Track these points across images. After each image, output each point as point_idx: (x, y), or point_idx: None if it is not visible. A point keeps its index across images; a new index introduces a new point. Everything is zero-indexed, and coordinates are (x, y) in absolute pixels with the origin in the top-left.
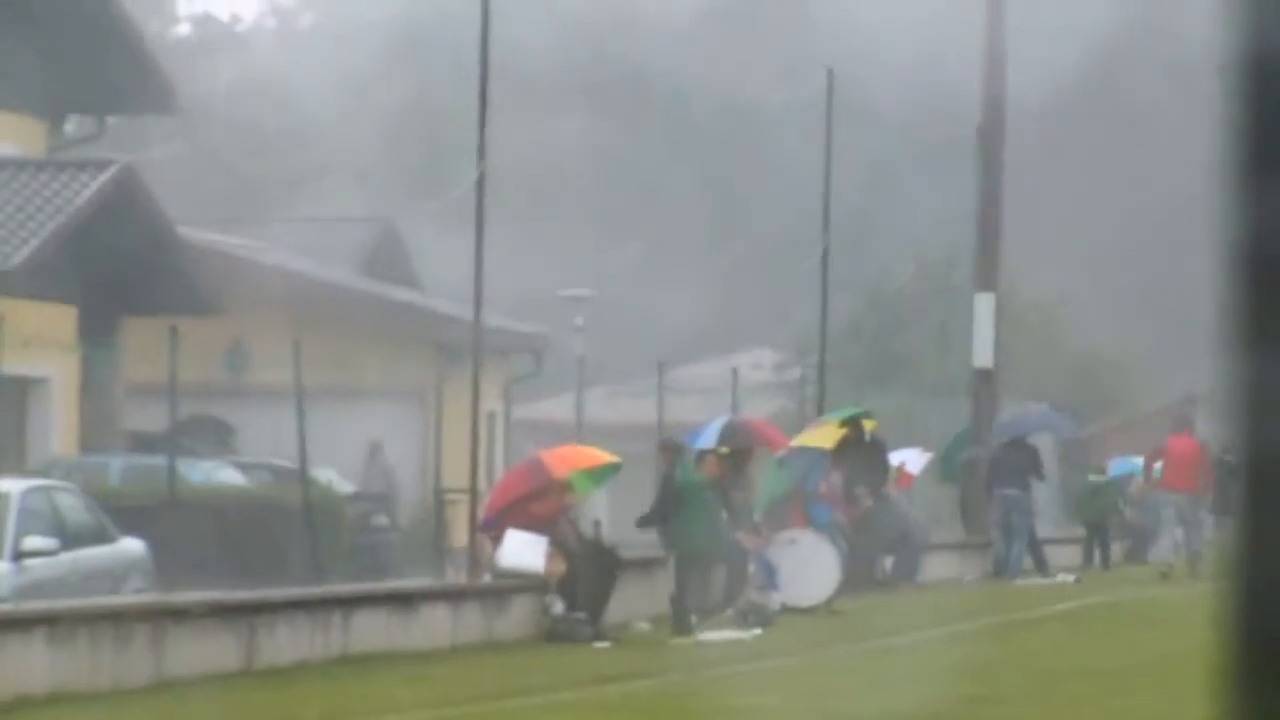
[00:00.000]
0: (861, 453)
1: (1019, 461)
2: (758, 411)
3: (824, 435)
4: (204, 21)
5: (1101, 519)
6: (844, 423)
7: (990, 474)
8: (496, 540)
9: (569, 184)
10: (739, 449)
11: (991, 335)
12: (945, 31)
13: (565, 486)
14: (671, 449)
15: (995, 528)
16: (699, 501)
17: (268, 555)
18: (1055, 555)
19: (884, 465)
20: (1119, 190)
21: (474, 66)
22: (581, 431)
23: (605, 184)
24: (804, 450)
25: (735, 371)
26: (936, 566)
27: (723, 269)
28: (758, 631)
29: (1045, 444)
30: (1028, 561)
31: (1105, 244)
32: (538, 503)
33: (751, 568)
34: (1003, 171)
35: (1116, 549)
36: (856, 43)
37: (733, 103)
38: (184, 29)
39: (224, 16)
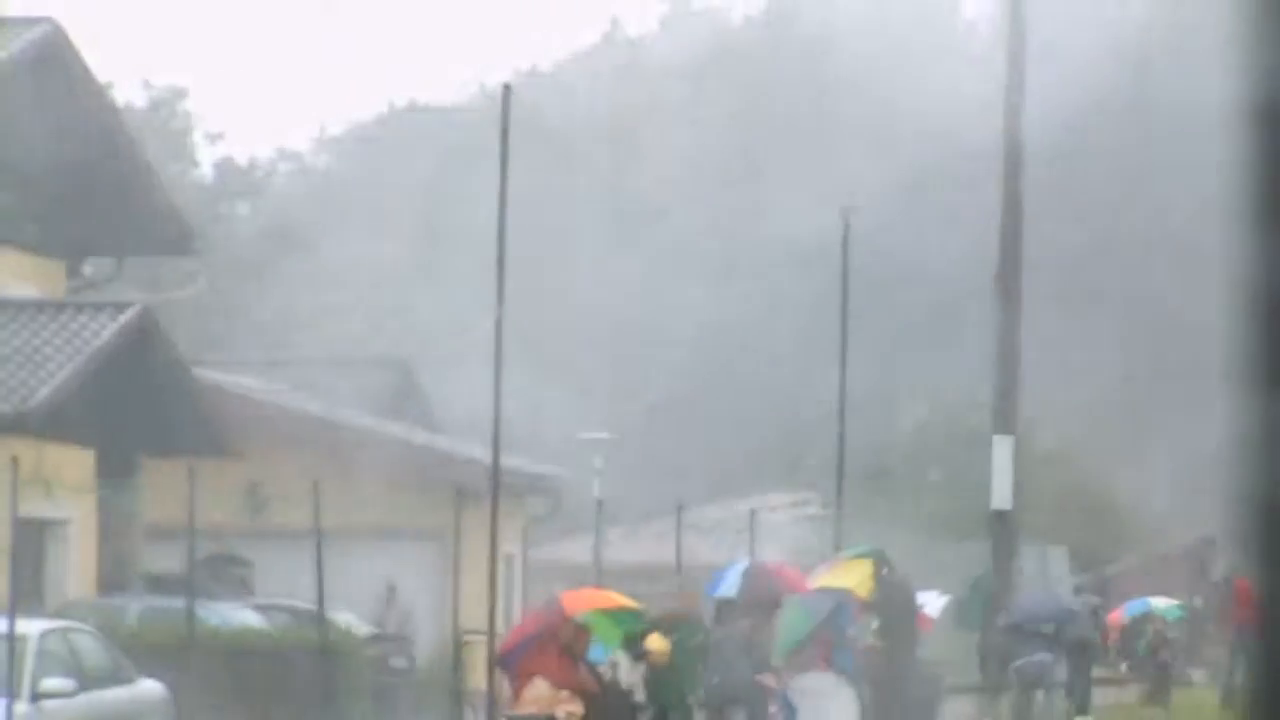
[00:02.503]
0: (888, 595)
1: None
2: (776, 551)
3: (848, 576)
4: (223, 165)
5: (1152, 650)
6: (869, 562)
7: (1011, 649)
8: (513, 680)
9: (588, 326)
10: (762, 601)
11: (1010, 477)
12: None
13: (580, 626)
14: (690, 602)
15: (1018, 686)
16: (722, 646)
17: (286, 697)
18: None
19: (912, 608)
20: (1132, 332)
21: (492, 212)
22: (600, 573)
23: (623, 326)
24: (827, 592)
25: (754, 514)
26: (954, 709)
27: (742, 410)
28: None
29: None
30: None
31: (1122, 382)
32: (552, 641)
33: (773, 709)
34: (1020, 315)
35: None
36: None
37: (748, 243)
38: (204, 172)
39: (242, 160)
